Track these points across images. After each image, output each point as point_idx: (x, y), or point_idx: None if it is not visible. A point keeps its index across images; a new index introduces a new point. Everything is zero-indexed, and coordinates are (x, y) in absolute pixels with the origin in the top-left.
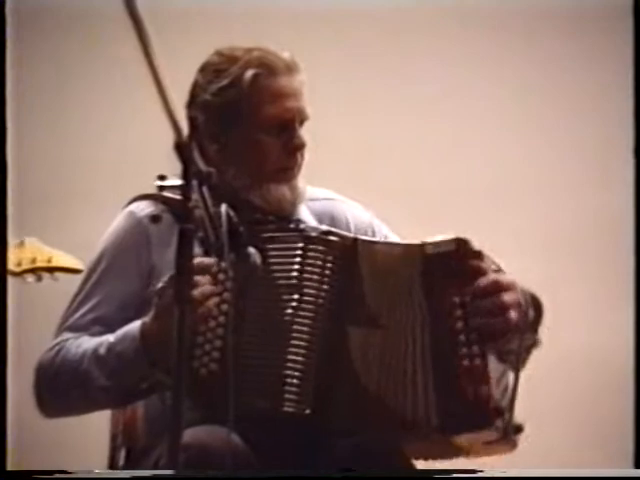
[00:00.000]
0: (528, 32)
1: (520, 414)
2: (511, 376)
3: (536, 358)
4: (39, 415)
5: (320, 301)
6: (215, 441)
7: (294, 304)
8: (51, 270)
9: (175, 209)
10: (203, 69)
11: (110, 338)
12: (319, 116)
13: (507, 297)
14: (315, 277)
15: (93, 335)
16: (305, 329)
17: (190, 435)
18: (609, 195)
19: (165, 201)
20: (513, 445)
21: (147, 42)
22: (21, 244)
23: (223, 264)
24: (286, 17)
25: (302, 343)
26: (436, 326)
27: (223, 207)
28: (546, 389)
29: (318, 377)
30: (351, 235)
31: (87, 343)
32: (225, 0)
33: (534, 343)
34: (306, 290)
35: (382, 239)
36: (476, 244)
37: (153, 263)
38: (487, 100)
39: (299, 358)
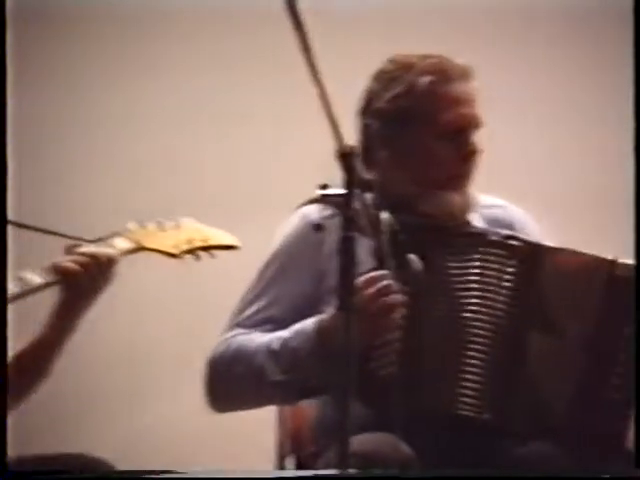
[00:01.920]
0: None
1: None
2: None
3: None
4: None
5: (499, 305)
6: (384, 449)
7: (473, 308)
8: (208, 248)
9: (341, 215)
10: (377, 77)
11: (284, 334)
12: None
13: None
14: (495, 281)
15: (264, 333)
16: (484, 333)
17: (359, 442)
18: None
19: (334, 206)
20: None
21: (309, 48)
22: (177, 226)
23: (388, 272)
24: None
25: (480, 347)
26: (602, 346)
27: (385, 214)
28: None
29: (495, 381)
30: (534, 241)
31: (260, 338)
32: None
33: None
34: (486, 294)
35: None
36: None
37: (324, 266)
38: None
39: (477, 362)
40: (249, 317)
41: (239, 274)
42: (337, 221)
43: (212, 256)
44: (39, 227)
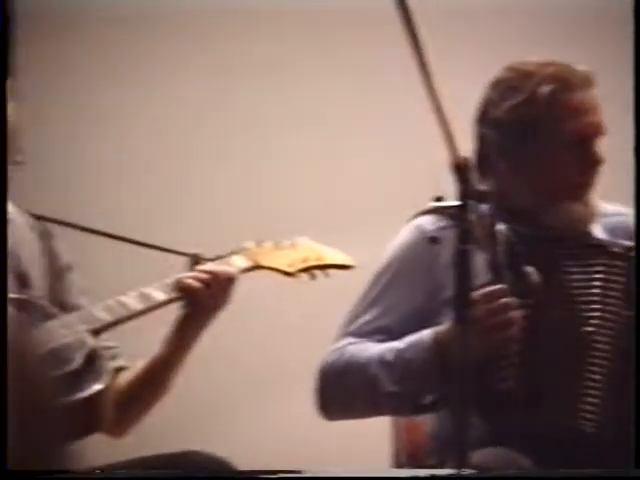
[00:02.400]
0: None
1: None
2: None
3: None
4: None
5: (618, 319)
6: (503, 464)
7: (596, 321)
8: (324, 267)
9: (456, 227)
10: (494, 85)
11: (398, 344)
12: None
13: None
14: (617, 294)
15: (376, 343)
16: (606, 347)
17: (479, 457)
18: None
19: (449, 217)
20: None
21: (423, 55)
22: (293, 245)
23: (507, 288)
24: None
25: (601, 361)
26: None
27: (501, 226)
28: None
29: (611, 396)
30: None
31: (373, 348)
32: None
33: None
34: (606, 307)
35: None
36: None
37: (439, 278)
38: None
39: (597, 376)
40: (360, 327)
41: (350, 288)
42: (452, 233)
43: (327, 275)
44: (161, 246)
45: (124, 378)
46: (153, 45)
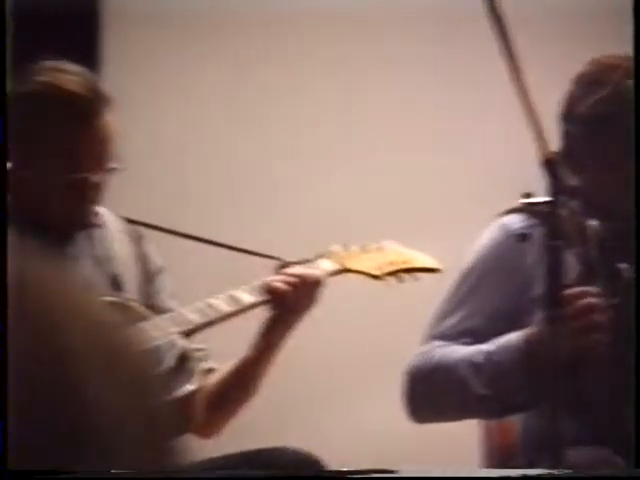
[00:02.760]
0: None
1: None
2: None
3: None
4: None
5: None
6: (598, 463)
7: None
8: (411, 271)
9: (546, 224)
10: (578, 80)
11: (488, 347)
12: None
13: None
14: None
15: (463, 345)
16: None
17: (574, 456)
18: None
19: (537, 215)
20: None
21: (512, 49)
22: (380, 248)
23: (598, 289)
24: None
25: None
26: None
27: (593, 222)
28: None
29: None
30: None
31: (461, 350)
32: None
33: None
34: None
35: None
36: None
37: (527, 277)
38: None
39: None
40: (447, 329)
41: (436, 290)
42: (539, 231)
43: (415, 279)
44: (249, 250)
45: (213, 380)
46: (234, 44)
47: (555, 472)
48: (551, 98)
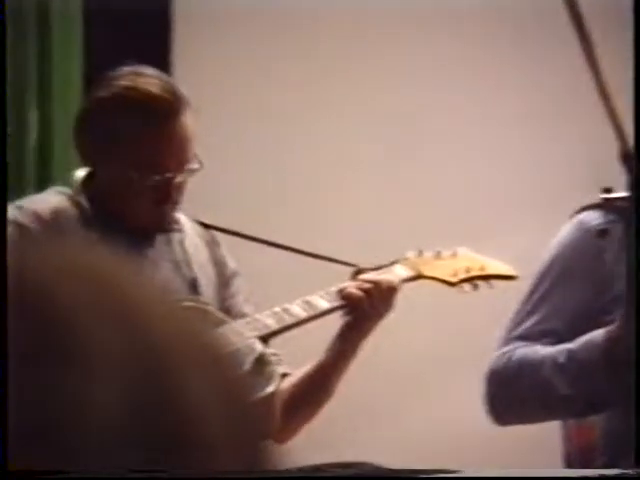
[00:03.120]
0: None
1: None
2: None
3: None
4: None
5: None
6: None
7: None
8: (486, 278)
9: (625, 219)
10: None
11: (570, 346)
12: None
13: None
14: None
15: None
16: None
17: None
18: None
19: (616, 210)
20: None
21: (591, 44)
22: (454, 255)
23: None
24: None
25: None
26: None
27: None
28: None
29: None
30: None
31: (543, 351)
32: None
33: None
34: None
35: None
36: None
37: (607, 274)
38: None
39: None
40: (527, 330)
41: (512, 292)
42: (619, 227)
43: (491, 286)
44: (324, 256)
45: (287, 385)
46: (314, 44)
47: (634, 472)
48: (627, 93)
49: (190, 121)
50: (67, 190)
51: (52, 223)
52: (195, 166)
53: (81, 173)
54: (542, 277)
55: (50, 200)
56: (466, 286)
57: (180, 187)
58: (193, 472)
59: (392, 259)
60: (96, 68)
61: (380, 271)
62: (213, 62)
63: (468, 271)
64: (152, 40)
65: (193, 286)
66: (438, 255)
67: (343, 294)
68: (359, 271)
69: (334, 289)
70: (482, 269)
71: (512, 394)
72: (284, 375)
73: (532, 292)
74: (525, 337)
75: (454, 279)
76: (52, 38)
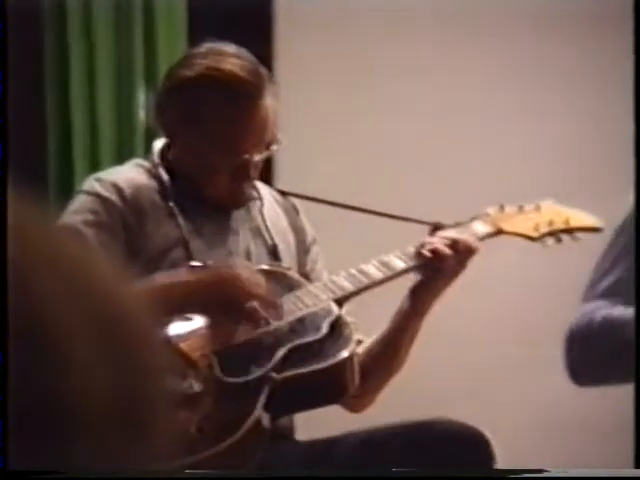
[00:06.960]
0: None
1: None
2: None
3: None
4: None
5: None
6: None
7: None
8: (570, 231)
9: None
10: None
11: None
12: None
13: None
14: None
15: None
16: None
17: None
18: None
19: None
20: None
21: None
22: (537, 208)
23: None
24: None
25: None
26: None
27: None
28: None
29: None
30: None
31: (625, 310)
32: None
33: None
34: None
35: None
36: None
37: None
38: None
39: None
40: (608, 288)
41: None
42: None
43: (575, 239)
44: (401, 216)
45: (360, 350)
46: (408, 43)
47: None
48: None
49: (271, 102)
50: (145, 163)
51: (131, 195)
52: (275, 147)
53: (159, 144)
54: (621, 230)
55: (129, 172)
56: (549, 240)
57: (258, 165)
58: (193, 472)
59: (472, 216)
60: None
61: (459, 228)
62: (313, 58)
63: (551, 224)
64: (254, 38)
65: (273, 252)
66: (520, 209)
67: (430, 249)
68: (437, 227)
69: (411, 249)
70: (566, 222)
71: (593, 355)
72: (359, 342)
73: (611, 247)
74: (606, 295)
75: (535, 234)
76: (157, 35)
